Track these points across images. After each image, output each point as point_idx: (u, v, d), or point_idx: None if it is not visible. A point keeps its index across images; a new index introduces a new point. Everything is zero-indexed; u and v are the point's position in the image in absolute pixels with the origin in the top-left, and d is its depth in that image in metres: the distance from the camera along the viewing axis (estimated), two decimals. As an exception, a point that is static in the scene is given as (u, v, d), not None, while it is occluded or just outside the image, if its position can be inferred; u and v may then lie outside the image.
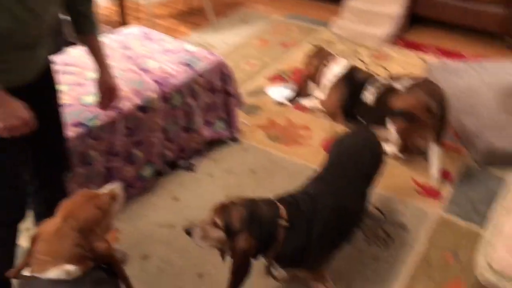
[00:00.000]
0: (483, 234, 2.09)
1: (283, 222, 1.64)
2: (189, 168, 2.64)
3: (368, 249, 2.15)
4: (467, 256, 2.09)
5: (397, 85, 2.63)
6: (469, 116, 2.83)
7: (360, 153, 1.99)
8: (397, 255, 2.12)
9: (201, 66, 2.57)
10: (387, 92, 2.66)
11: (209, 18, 4.41)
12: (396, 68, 3.60)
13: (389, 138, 2.65)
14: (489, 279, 1.85)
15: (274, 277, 1.91)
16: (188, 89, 2.50)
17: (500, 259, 1.86)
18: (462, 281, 2.00)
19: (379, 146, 2.08)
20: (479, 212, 2.33)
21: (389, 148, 2.66)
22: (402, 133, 2.59)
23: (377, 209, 2.35)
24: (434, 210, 2.36)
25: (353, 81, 2.89)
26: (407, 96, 2.56)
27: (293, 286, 1.97)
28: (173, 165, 2.63)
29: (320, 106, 3.06)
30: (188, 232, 1.63)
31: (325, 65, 3.00)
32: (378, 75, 2.95)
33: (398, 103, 2.58)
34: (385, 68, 3.60)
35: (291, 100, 3.19)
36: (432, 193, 2.46)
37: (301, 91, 3.17)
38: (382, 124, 2.67)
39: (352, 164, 1.92)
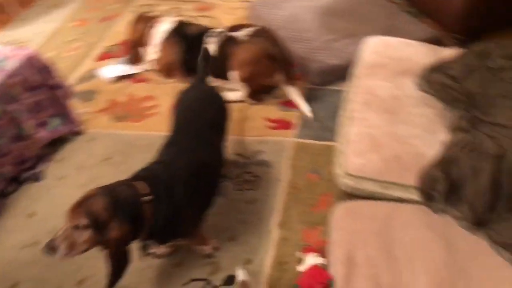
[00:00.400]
0: (336, 147, 2.25)
1: (146, 198, 1.57)
2: (36, 177, 2.39)
3: (241, 195, 2.18)
4: (328, 171, 2.22)
5: (238, 35, 2.66)
6: (298, 43, 2.95)
7: (202, 106, 1.97)
8: (268, 192, 2.19)
9: (10, 65, 2.28)
10: (228, 42, 2.66)
11: (13, 12, 3.95)
12: (222, 15, 3.60)
13: (235, 87, 2.67)
14: (349, 184, 1.99)
15: (155, 256, 1.85)
16: (4, 94, 2.22)
17: (353, 164, 2.01)
18: (330, 194, 2.13)
19: (219, 95, 2.08)
20: (328, 129, 2.47)
21: (236, 95, 2.68)
22: (247, 81, 2.63)
23: (239, 154, 2.38)
24: (290, 139, 2.46)
25: (186, 35, 2.83)
26: (249, 45, 2.60)
27: (177, 257, 1.94)
28: (17, 181, 2.37)
29: (155, 67, 2.97)
30: (51, 249, 1.46)
31: (151, 27, 2.89)
32: (211, 27, 2.92)
33: (241, 52, 2.60)
34: (212, 18, 3.58)
35: (128, 75, 3.04)
36: (284, 125, 2.55)
37: (134, 61, 3.03)
38: (226, 74, 2.68)
39: (197, 119, 1.89)
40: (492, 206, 1.77)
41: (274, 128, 2.54)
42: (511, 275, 1.61)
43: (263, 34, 2.68)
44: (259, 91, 2.72)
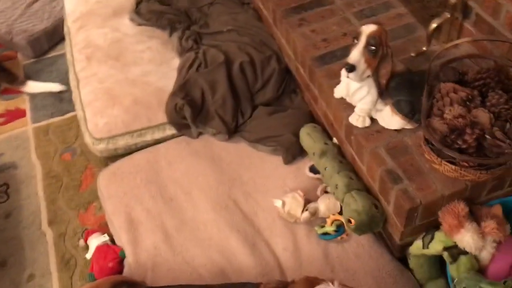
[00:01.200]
0: (77, 115, 2.04)
1: None
2: None
3: (-6, 213, 1.87)
4: (80, 144, 2.02)
5: None
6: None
7: None
8: (24, 195, 1.90)
9: None
10: None
11: None
12: None
13: None
14: (103, 149, 1.84)
15: None
16: None
17: (97, 126, 1.85)
18: (91, 167, 1.95)
19: None
20: (65, 99, 2.22)
21: None
22: None
23: (-27, 170, 2.01)
24: (27, 128, 2.15)
25: None
26: None
27: None
28: None
29: None
30: None
31: None
32: None
33: None
34: None
35: None
36: (14, 115, 2.21)
37: None
38: None
39: None
40: (236, 110, 1.84)
41: (4, 123, 2.18)
42: (272, 165, 1.73)
43: None
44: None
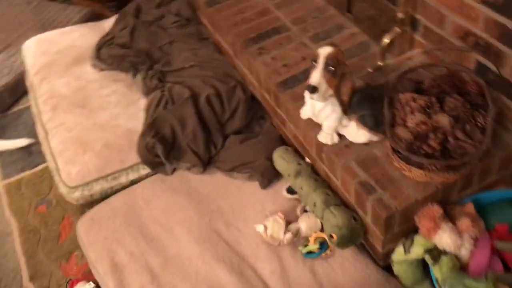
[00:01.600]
0: (49, 166, 2.03)
1: None
2: None
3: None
4: (54, 194, 2.01)
5: None
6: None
7: None
8: (2, 252, 1.86)
9: None
10: None
11: None
12: None
13: None
14: (78, 196, 1.84)
15: None
16: None
17: (70, 175, 1.84)
18: (69, 216, 1.93)
19: None
20: (35, 152, 2.21)
21: None
22: None
23: None
24: (-2, 184, 2.13)
25: None
26: None
27: None
28: None
29: None
30: None
31: None
32: None
33: None
34: None
35: None
36: None
37: None
38: None
39: None
40: (208, 142, 1.86)
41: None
42: (249, 191, 1.75)
43: None
44: None
